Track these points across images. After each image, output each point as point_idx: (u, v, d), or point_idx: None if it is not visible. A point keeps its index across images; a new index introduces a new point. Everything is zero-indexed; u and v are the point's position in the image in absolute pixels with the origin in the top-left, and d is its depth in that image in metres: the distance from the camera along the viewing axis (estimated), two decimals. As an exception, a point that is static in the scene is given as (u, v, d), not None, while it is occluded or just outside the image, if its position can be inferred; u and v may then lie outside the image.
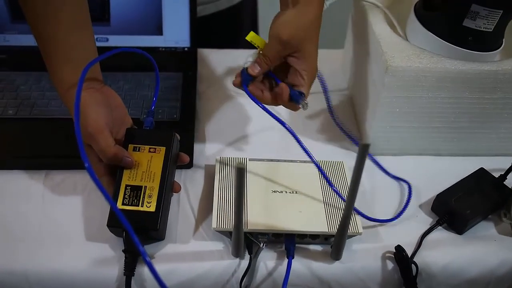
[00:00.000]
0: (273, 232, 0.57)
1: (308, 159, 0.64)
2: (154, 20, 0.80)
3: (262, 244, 0.57)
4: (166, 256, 0.57)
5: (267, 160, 0.66)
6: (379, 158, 0.70)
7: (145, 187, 0.56)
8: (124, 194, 0.56)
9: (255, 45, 0.60)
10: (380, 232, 0.61)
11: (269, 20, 0.66)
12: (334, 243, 0.56)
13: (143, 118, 0.63)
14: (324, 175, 0.63)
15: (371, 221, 0.61)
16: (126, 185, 0.56)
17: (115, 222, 0.55)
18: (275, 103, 0.61)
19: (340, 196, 0.61)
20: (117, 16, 0.80)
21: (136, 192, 0.56)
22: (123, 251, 0.54)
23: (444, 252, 0.59)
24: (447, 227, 0.62)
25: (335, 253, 0.57)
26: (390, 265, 0.58)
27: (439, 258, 0.58)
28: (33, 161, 0.65)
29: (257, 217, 0.57)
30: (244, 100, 0.79)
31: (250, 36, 0.60)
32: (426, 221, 0.63)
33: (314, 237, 0.58)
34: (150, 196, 0.56)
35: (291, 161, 0.65)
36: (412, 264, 0.57)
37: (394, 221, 0.62)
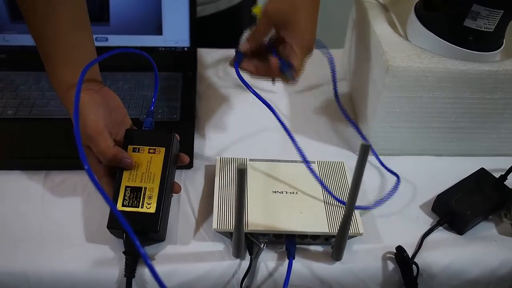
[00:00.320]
0: (273, 232, 0.57)
1: (308, 159, 0.64)
2: (154, 20, 0.80)
3: (262, 245, 0.57)
4: (166, 257, 0.57)
5: (268, 160, 0.66)
6: (380, 158, 0.70)
7: (145, 188, 0.56)
8: (124, 195, 0.55)
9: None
10: (381, 233, 0.61)
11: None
12: (334, 244, 0.56)
13: (143, 119, 0.63)
14: (315, 174, 0.62)
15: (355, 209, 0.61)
16: (126, 186, 0.56)
17: (115, 224, 0.54)
18: (268, 75, 0.62)
19: (331, 194, 0.61)
20: (117, 16, 0.79)
21: (136, 193, 0.56)
22: (123, 252, 0.54)
23: (445, 252, 0.59)
24: (448, 228, 0.62)
25: (336, 254, 0.57)
26: (391, 265, 0.58)
27: (440, 259, 0.58)
28: (32, 161, 0.65)
29: (257, 217, 0.57)
30: (244, 100, 0.79)
31: (257, 9, 0.61)
32: (427, 221, 0.62)
33: (314, 238, 0.58)
34: (150, 197, 0.56)
35: (292, 161, 0.65)
36: (413, 265, 0.57)
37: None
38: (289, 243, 0.57)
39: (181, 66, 0.81)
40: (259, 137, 0.73)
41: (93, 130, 0.55)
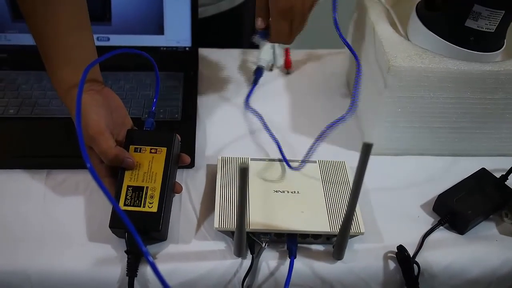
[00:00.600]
0: (275, 232, 0.57)
1: (310, 159, 0.64)
2: (155, 20, 0.80)
3: (264, 244, 0.57)
4: (168, 256, 0.57)
5: (269, 159, 0.66)
6: (380, 158, 0.70)
7: (147, 187, 0.56)
8: (126, 194, 0.56)
9: None
10: (382, 232, 0.61)
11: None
12: (336, 243, 0.56)
13: (144, 118, 0.63)
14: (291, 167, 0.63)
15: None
16: (128, 186, 0.56)
17: (117, 223, 0.54)
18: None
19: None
20: (118, 16, 0.79)
21: (137, 193, 0.56)
22: (125, 251, 0.54)
23: (446, 252, 0.59)
24: (449, 227, 0.62)
25: (337, 253, 0.57)
26: (392, 265, 0.58)
27: (441, 258, 0.58)
28: (34, 160, 0.65)
29: (259, 217, 0.57)
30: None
31: None
32: (428, 221, 0.63)
33: (316, 237, 0.58)
34: (152, 197, 0.56)
35: (293, 160, 0.65)
36: (414, 264, 0.57)
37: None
38: (291, 242, 0.57)
39: (182, 66, 0.81)
40: (260, 137, 0.73)
41: (95, 131, 0.55)
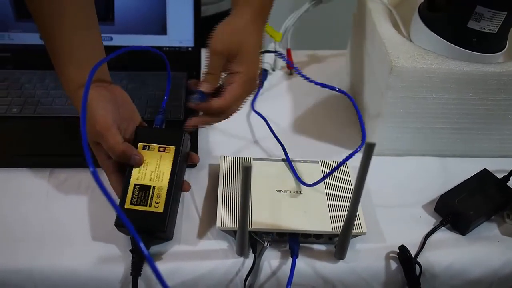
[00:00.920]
0: (277, 231, 0.57)
1: (311, 159, 0.64)
2: (158, 20, 0.80)
3: (266, 244, 0.57)
4: (170, 255, 0.57)
5: (271, 159, 0.66)
6: (382, 159, 0.70)
7: (154, 187, 0.56)
8: (133, 193, 0.55)
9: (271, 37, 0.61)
10: (384, 232, 0.61)
11: (271, 21, 0.65)
12: (338, 243, 0.56)
13: (156, 115, 0.63)
14: (295, 173, 0.63)
15: None
16: (135, 185, 0.56)
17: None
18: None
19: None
20: (121, 16, 0.80)
21: (144, 192, 0.56)
22: (130, 251, 0.54)
23: (448, 252, 0.59)
24: (451, 228, 0.62)
25: (339, 253, 0.57)
26: (393, 265, 0.58)
27: (443, 259, 0.59)
28: (37, 159, 0.66)
29: (261, 216, 0.57)
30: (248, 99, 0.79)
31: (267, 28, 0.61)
32: (430, 221, 0.63)
33: (318, 237, 0.58)
34: (158, 197, 0.55)
35: (295, 160, 0.65)
36: (416, 264, 0.57)
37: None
38: (293, 242, 0.57)
39: (185, 65, 0.81)
40: (262, 137, 0.73)
41: (102, 126, 0.55)
